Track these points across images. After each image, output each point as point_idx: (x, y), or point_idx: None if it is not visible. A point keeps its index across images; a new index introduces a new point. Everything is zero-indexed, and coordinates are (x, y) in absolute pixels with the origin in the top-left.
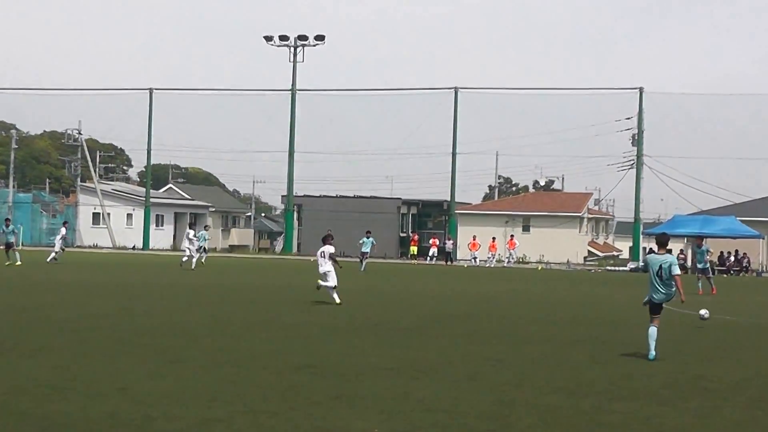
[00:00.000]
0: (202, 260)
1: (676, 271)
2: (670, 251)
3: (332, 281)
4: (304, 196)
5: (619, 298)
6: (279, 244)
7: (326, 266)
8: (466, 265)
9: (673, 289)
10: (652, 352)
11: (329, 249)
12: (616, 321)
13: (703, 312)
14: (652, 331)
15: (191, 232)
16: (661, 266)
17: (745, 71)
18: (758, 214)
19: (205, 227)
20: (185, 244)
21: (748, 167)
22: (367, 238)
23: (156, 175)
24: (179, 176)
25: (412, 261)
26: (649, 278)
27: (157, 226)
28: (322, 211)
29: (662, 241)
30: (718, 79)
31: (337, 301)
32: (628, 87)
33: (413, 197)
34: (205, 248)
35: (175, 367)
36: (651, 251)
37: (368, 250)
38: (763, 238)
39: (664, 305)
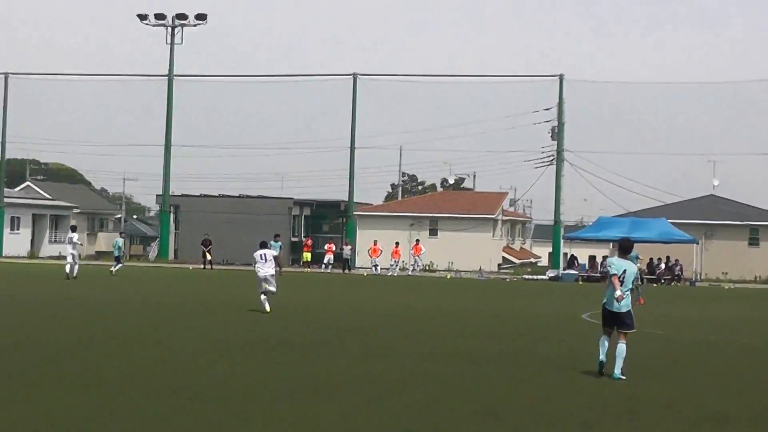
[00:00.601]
0: (113, 270)
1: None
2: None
3: (273, 287)
4: (183, 195)
5: (539, 309)
6: (153, 251)
7: (269, 269)
8: (365, 274)
9: (629, 300)
10: (601, 357)
11: (273, 252)
12: (535, 335)
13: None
14: (604, 340)
15: (74, 236)
16: (625, 271)
17: (675, 59)
18: (692, 216)
19: (72, 228)
20: (68, 249)
21: (679, 163)
22: (276, 241)
23: (11, 172)
24: (39, 173)
25: (305, 269)
26: (609, 284)
27: (12, 229)
28: (202, 212)
29: (627, 247)
30: (645, 67)
31: (267, 309)
32: (546, 74)
33: (306, 197)
34: (119, 258)
35: (33, 392)
36: (565, 258)
37: (277, 254)
38: (698, 243)
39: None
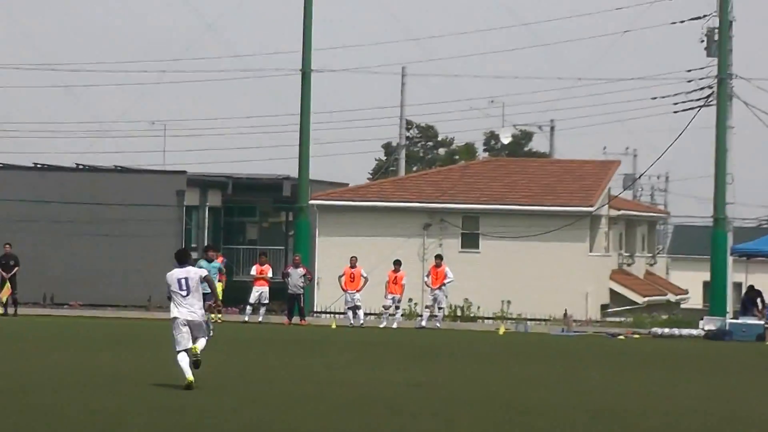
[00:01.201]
0: None
1: None
2: None
3: (203, 339)
4: None
5: (682, 399)
6: None
7: (196, 306)
8: (334, 325)
9: None
10: None
11: (198, 270)
12: None
13: None
14: None
15: None
16: None
17: None
18: None
19: None
20: None
21: None
22: (209, 261)
23: None
24: None
25: (211, 314)
26: None
27: None
28: (3, 201)
29: None
30: None
31: (190, 377)
32: None
33: (214, 170)
34: None
35: None
36: (738, 293)
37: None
38: None
39: None
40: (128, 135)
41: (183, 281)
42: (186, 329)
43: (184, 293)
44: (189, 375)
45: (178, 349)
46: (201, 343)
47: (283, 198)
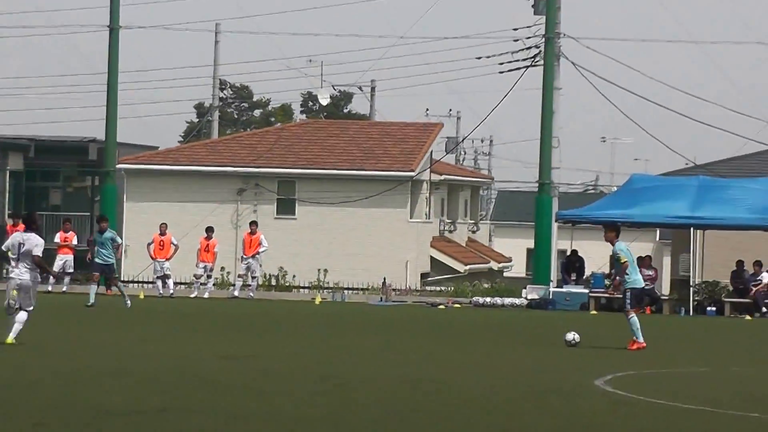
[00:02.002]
0: None
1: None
2: None
3: (31, 302)
4: None
5: (503, 372)
6: None
7: (26, 275)
8: (142, 295)
9: None
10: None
11: (36, 241)
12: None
13: (570, 336)
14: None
15: None
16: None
17: None
18: None
19: None
20: None
21: None
22: (101, 232)
23: None
24: None
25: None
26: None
27: None
28: None
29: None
30: None
31: (12, 338)
32: None
33: (16, 132)
34: None
35: None
36: (562, 260)
37: (111, 257)
38: None
39: None
40: None
41: (18, 246)
42: (14, 293)
43: (14, 257)
44: (11, 335)
45: (8, 314)
46: (18, 322)
47: (88, 161)
